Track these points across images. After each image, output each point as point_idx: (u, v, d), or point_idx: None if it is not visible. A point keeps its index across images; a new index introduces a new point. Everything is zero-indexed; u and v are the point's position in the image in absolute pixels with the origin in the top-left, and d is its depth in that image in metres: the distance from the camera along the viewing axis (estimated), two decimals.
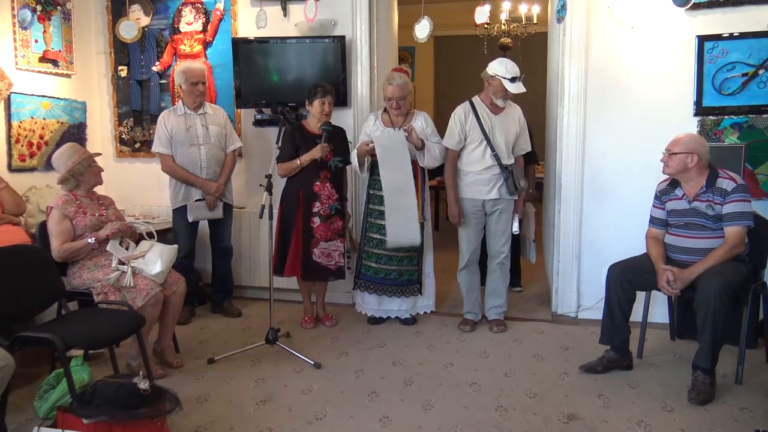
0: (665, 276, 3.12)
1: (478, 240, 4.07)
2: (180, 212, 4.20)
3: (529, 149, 4.11)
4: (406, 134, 3.86)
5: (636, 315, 3.44)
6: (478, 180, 3.94)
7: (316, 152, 3.90)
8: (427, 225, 4.18)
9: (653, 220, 3.40)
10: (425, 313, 4.31)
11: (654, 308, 3.74)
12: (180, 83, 4.15)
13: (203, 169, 4.16)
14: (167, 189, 4.45)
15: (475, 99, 3.97)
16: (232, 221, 4.45)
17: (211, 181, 4.18)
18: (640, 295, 3.44)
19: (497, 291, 4.10)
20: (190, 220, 4.19)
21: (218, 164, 4.23)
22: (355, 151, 4.02)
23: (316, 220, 3.99)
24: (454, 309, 4.49)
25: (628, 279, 3.29)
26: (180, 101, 4.21)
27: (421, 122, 4.06)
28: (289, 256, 3.98)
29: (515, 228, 4.04)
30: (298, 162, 3.93)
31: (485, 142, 3.88)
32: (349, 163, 4.10)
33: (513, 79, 3.76)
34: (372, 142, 3.88)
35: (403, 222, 3.87)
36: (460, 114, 3.95)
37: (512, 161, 3.96)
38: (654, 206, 3.40)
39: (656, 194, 3.39)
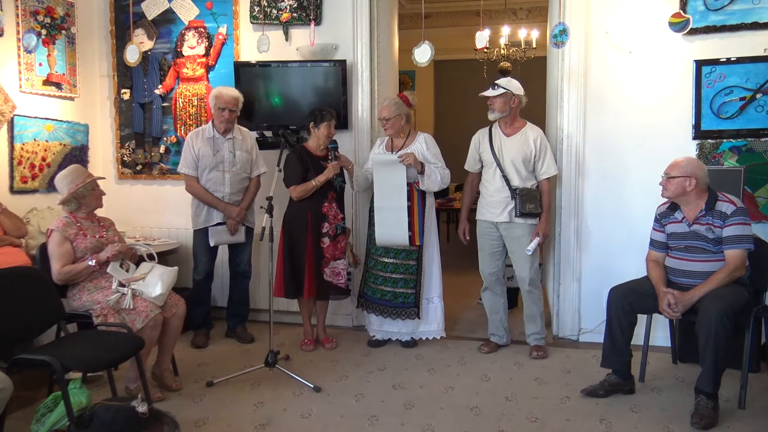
0: (666, 299, 3.11)
1: (494, 262, 4.05)
2: (200, 233, 4.21)
3: (554, 173, 3.97)
4: (400, 160, 3.89)
5: (637, 338, 3.42)
6: (491, 202, 3.97)
7: (330, 171, 3.96)
8: (430, 249, 4.17)
9: (653, 243, 3.40)
10: (427, 339, 4.24)
11: (655, 331, 3.72)
12: (211, 106, 4.19)
13: (227, 195, 4.16)
14: (167, 211, 4.47)
15: (495, 123, 4.02)
16: (252, 245, 4.44)
17: (233, 205, 4.19)
18: (642, 319, 3.42)
19: (531, 317, 4.06)
20: (212, 245, 4.20)
21: (241, 190, 4.24)
22: (359, 171, 4.13)
23: (326, 240, 4.02)
24: (461, 333, 4.49)
25: (629, 302, 3.28)
26: (210, 123, 4.23)
27: (422, 144, 4.09)
28: (307, 278, 3.99)
29: (529, 248, 3.89)
30: (314, 183, 3.95)
31: (495, 164, 3.92)
32: (347, 183, 4.18)
33: (493, 87, 3.88)
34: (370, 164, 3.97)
35: (392, 221, 3.93)
36: (475, 137, 4.10)
37: (524, 184, 3.88)
38: (654, 229, 3.41)
39: (656, 217, 3.40)
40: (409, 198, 4.00)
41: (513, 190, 3.88)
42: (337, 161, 3.98)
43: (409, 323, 4.15)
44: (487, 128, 4.05)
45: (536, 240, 3.90)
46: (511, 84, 3.88)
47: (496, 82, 3.92)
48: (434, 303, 4.21)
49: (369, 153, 4.29)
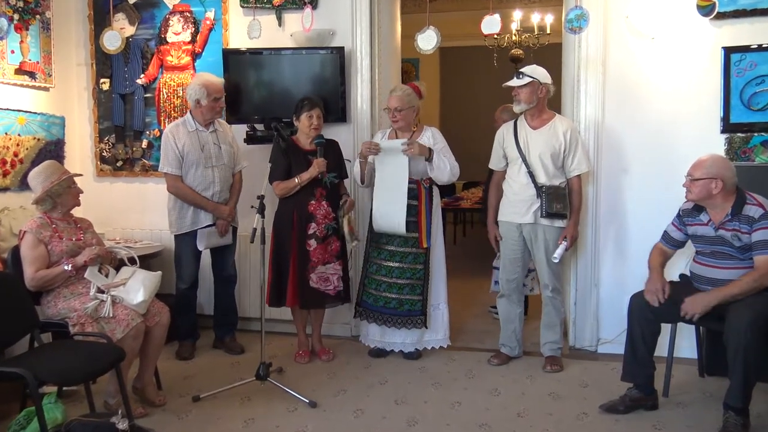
0: (684, 310, 3.12)
1: (514, 268, 4.03)
2: (186, 238, 4.19)
3: (585, 169, 3.93)
4: (406, 143, 3.89)
5: (661, 349, 3.41)
6: (514, 201, 3.95)
7: (314, 169, 3.94)
8: (437, 251, 4.18)
9: (666, 238, 3.40)
10: (433, 348, 4.26)
11: (681, 342, 3.71)
12: (198, 98, 4.08)
13: (216, 193, 4.16)
14: (150, 211, 4.46)
15: (521, 116, 4.01)
16: (236, 247, 4.45)
17: (222, 205, 4.19)
18: (666, 328, 3.42)
19: (550, 325, 4.04)
20: (202, 249, 4.19)
21: (228, 187, 4.26)
22: (357, 162, 4.12)
23: (312, 243, 4.00)
24: (468, 343, 4.49)
25: (651, 310, 3.27)
26: (188, 115, 4.21)
27: (429, 139, 4.10)
28: (289, 284, 3.99)
29: (555, 255, 3.85)
30: (297, 181, 3.95)
31: (520, 159, 3.91)
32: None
33: (518, 76, 3.85)
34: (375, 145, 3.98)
35: (390, 205, 3.94)
36: (499, 132, 4.09)
37: (551, 181, 3.84)
38: (673, 224, 3.40)
39: (679, 213, 3.39)
40: (417, 197, 4.01)
41: (539, 188, 3.85)
42: (320, 161, 3.94)
43: (414, 332, 4.15)
44: (512, 122, 4.05)
45: (563, 245, 3.85)
46: (537, 71, 3.85)
47: (520, 70, 3.89)
48: (440, 309, 4.22)
49: None
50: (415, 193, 4.02)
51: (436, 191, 4.19)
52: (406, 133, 4.11)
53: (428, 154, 3.95)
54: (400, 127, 4.10)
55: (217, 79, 4.20)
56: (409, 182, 3.96)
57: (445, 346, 4.27)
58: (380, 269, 4.12)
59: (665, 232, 3.43)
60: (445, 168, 3.99)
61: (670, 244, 3.39)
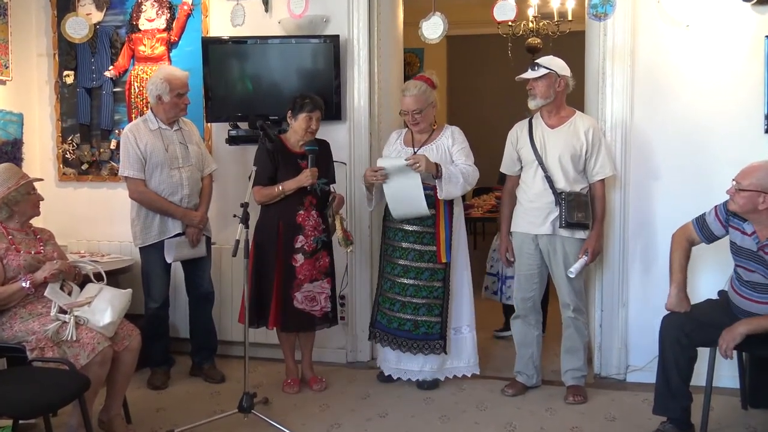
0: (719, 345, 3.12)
1: (530, 285, 4.03)
2: (153, 250, 4.19)
3: (609, 173, 3.95)
4: (408, 163, 3.87)
5: (699, 378, 3.41)
6: (529, 209, 3.95)
7: (304, 179, 3.92)
8: (461, 269, 4.17)
9: (702, 225, 3.36)
10: (464, 376, 4.24)
11: (720, 369, 3.71)
12: (160, 93, 4.09)
13: (185, 197, 4.18)
14: (119, 221, 4.44)
15: (537, 114, 4.02)
16: (212, 259, 4.45)
17: (192, 211, 4.21)
18: (703, 353, 3.40)
19: (572, 349, 4.02)
20: (171, 261, 4.19)
21: (197, 191, 4.28)
22: (364, 187, 4.15)
23: (299, 258, 4.00)
24: (481, 371, 4.45)
25: (686, 333, 3.27)
26: (149, 113, 4.22)
27: (447, 139, 4.11)
28: (273, 302, 3.99)
29: (571, 270, 3.84)
30: (280, 188, 3.95)
31: (536, 162, 3.91)
32: (333, 182, 4.18)
33: (532, 67, 3.85)
34: (381, 169, 3.94)
35: (406, 190, 3.90)
36: (512, 132, 4.10)
37: (571, 187, 3.84)
38: (716, 213, 3.35)
39: (729, 208, 3.34)
40: (434, 205, 3.99)
41: (557, 195, 3.84)
42: (311, 170, 3.92)
43: (432, 359, 4.12)
44: (526, 120, 4.06)
45: (582, 260, 3.85)
46: (554, 62, 3.86)
47: (536, 61, 3.90)
48: (463, 333, 4.20)
49: (382, 151, 4.28)
50: (431, 201, 3.97)
51: (458, 201, 4.16)
52: (425, 134, 4.12)
53: (436, 171, 3.91)
54: (422, 129, 4.11)
55: (182, 73, 4.21)
56: (425, 188, 3.91)
57: (470, 375, 4.24)
58: (394, 286, 4.10)
59: (703, 218, 3.39)
60: (457, 181, 3.94)
61: (703, 233, 3.36)
